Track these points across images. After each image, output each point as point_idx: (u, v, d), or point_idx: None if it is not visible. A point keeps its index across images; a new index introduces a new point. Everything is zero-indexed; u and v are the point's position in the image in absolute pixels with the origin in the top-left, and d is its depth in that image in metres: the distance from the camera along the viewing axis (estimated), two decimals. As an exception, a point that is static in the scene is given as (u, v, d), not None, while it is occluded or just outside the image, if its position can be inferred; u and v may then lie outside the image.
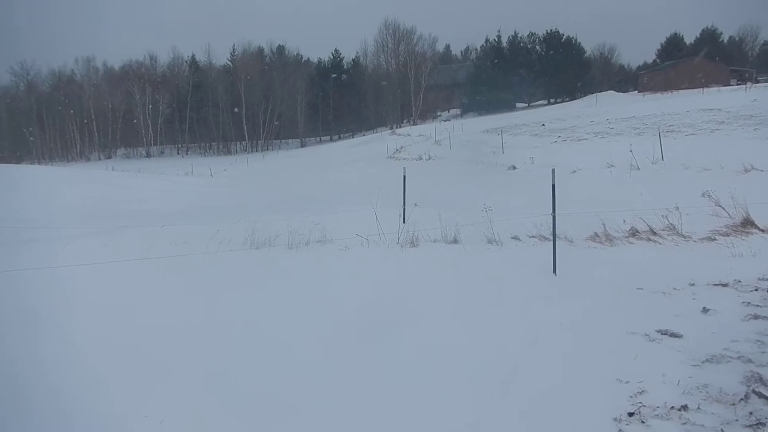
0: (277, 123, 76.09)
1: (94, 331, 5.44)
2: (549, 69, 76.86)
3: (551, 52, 79.01)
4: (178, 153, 78.26)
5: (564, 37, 79.88)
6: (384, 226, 9.52)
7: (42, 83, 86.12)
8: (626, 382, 4.20)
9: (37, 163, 69.92)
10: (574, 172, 20.43)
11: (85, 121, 77.74)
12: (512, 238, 9.23)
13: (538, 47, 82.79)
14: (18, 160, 68.58)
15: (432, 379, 4.48)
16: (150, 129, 78.22)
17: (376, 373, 4.62)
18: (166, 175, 35.16)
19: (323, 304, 6.21)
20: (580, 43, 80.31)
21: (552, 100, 78.99)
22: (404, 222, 10.63)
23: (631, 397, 3.99)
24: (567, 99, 75.93)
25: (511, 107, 75.43)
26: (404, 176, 12.25)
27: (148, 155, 76.34)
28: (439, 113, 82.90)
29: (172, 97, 78.64)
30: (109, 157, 76.17)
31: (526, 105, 78.88)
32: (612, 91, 69.77)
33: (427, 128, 51.74)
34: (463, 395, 4.21)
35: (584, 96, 71.55)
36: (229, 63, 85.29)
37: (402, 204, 11.87)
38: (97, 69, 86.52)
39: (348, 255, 8.35)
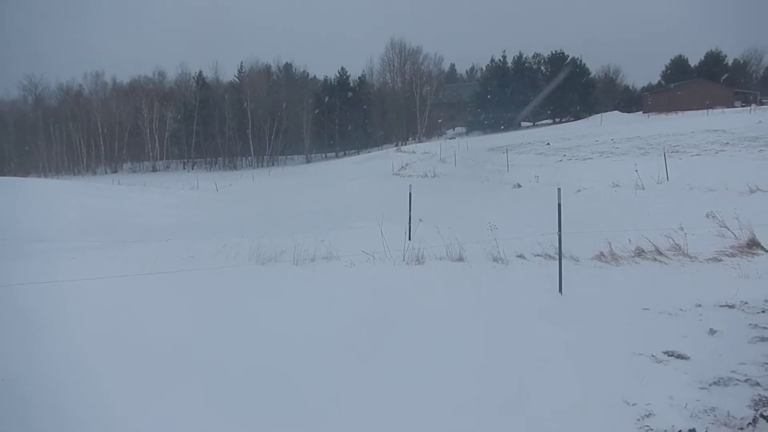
0: (283, 139, 76.41)
1: (103, 343, 5.45)
2: (554, 89, 77.27)
3: (556, 73, 79.41)
4: (184, 168, 78.55)
5: (569, 58, 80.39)
6: (389, 242, 9.52)
7: (50, 97, 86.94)
8: (633, 405, 4.15)
9: (44, 176, 70.38)
10: (579, 191, 20.46)
11: (92, 135, 78.20)
12: (518, 256, 9.21)
13: (543, 67, 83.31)
14: (25, 173, 68.99)
15: (433, 398, 4.44)
16: (156, 144, 78.65)
17: (377, 391, 4.59)
18: (172, 189, 35.33)
19: (325, 321, 6.21)
20: (584, 64, 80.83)
21: (557, 120, 79.23)
22: (410, 239, 10.63)
23: (638, 420, 3.95)
24: (572, 119, 76.18)
25: (516, 126, 75.69)
26: (410, 193, 12.27)
27: (154, 170, 76.67)
28: (444, 131, 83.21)
29: (179, 113, 79.19)
30: (116, 171, 76.53)
31: (531, 124, 79.16)
32: (617, 112, 70.06)
33: (433, 146, 51.91)
34: (465, 416, 4.18)
35: (589, 116, 71.81)
36: (236, 79, 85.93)
37: (407, 221, 11.87)
38: (106, 84, 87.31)
39: (353, 271, 8.35)
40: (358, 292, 7.30)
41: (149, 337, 5.72)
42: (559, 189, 7.62)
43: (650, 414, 3.99)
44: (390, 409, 4.33)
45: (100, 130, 78.04)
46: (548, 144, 38.41)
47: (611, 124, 54.37)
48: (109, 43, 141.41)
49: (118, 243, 11.07)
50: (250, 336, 5.80)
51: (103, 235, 13.03)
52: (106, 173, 75.68)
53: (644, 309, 6.48)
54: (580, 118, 73.41)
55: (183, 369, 5.02)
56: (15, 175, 56.88)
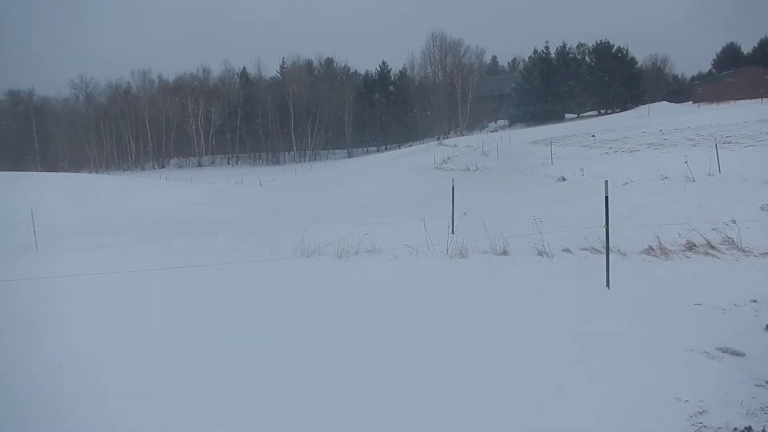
0: (325, 134, 77.02)
1: (155, 328, 5.63)
2: (599, 80, 75.50)
3: (601, 63, 77.56)
4: (228, 163, 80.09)
5: (614, 47, 78.38)
6: (432, 236, 9.52)
7: (100, 95, 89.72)
8: (685, 401, 4.06)
9: (95, 171, 72.75)
10: (626, 184, 19.94)
11: (140, 131, 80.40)
12: (563, 250, 9.06)
13: (587, 58, 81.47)
14: (77, 169, 71.47)
15: (473, 392, 4.43)
16: (202, 139, 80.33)
17: (418, 383, 4.61)
18: (218, 184, 36.06)
19: (368, 313, 6.24)
20: (631, 53, 78.66)
21: (602, 111, 77.44)
22: (453, 233, 10.60)
23: (691, 416, 3.86)
24: (618, 110, 74.26)
25: (560, 118, 74.38)
26: (453, 187, 12.21)
27: (200, 165, 78.35)
28: (486, 124, 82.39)
29: (223, 109, 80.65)
30: (163, 167, 78.58)
31: (576, 116, 77.58)
32: (665, 102, 67.89)
33: (474, 139, 51.46)
34: (508, 411, 4.14)
35: (636, 107, 69.86)
36: (279, 75, 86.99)
37: (450, 214, 11.82)
38: (153, 81, 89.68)
39: (397, 264, 8.37)
40: (400, 284, 7.32)
41: (173, 329, 5.88)
42: (606, 182, 7.46)
43: (704, 411, 3.90)
44: (432, 399, 4.34)
45: (147, 127, 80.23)
46: (593, 136, 37.48)
47: (659, 114, 52.72)
48: (156, 41, 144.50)
49: (168, 236, 11.35)
50: (278, 323, 5.89)
51: (155, 229, 13.42)
52: (154, 168, 77.77)
53: (696, 304, 6.29)
54: (626, 109, 71.41)
55: (213, 359, 5.13)
56: (68, 171, 59.05)
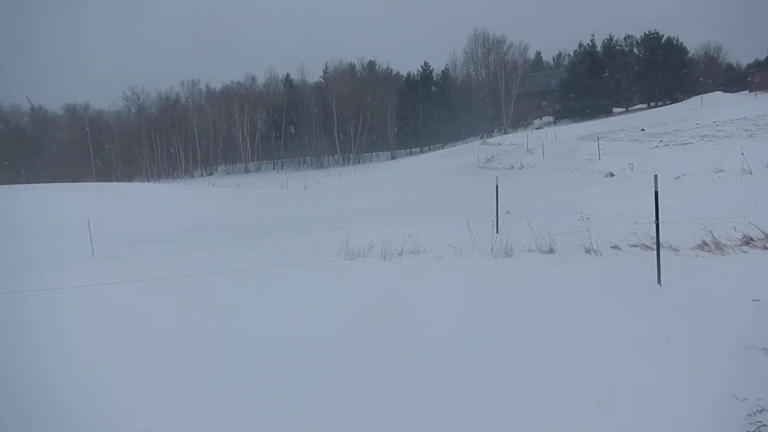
0: (368, 137, 77.44)
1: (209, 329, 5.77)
2: (648, 72, 73.34)
3: (650, 55, 75.28)
4: (274, 168, 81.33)
5: (664, 37, 75.98)
6: (477, 236, 9.46)
7: (150, 106, 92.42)
8: (744, 400, 3.92)
9: (147, 180, 75.11)
10: (678, 178, 19.34)
11: (189, 140, 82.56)
12: (612, 247, 8.83)
13: (635, 50, 79.26)
14: (130, 179, 74.00)
15: (526, 394, 4.37)
16: (248, 146, 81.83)
17: (471, 380, 4.58)
18: (264, 189, 36.68)
19: (413, 315, 6.23)
20: (682, 43, 76.06)
21: (652, 104, 75.20)
22: (497, 232, 10.49)
23: (750, 415, 3.72)
24: (669, 102, 71.97)
25: (607, 112, 72.69)
26: (496, 186, 12.08)
27: (247, 171, 79.78)
28: (531, 121, 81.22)
29: (268, 115, 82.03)
30: (211, 174, 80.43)
31: (624, 110, 75.64)
32: (719, 92, 65.32)
33: (519, 137, 50.83)
34: (561, 413, 4.08)
35: (688, 98, 67.50)
36: (322, 80, 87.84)
37: (494, 213, 11.70)
38: (201, 91, 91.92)
39: (441, 265, 8.34)
40: (445, 285, 7.29)
41: (236, 327, 5.99)
42: (655, 176, 7.22)
43: (763, 409, 3.76)
44: (483, 396, 4.30)
45: (196, 135, 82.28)
46: (643, 130, 36.46)
47: (713, 105, 50.78)
48: (203, 51, 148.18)
49: (215, 242, 11.61)
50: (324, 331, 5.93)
51: (206, 234, 13.74)
52: (203, 176, 79.67)
53: (754, 300, 6.03)
54: (678, 101, 69.04)
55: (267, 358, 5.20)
56: (121, 181, 61.20)
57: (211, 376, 4.89)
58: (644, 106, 75.84)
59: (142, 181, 71.56)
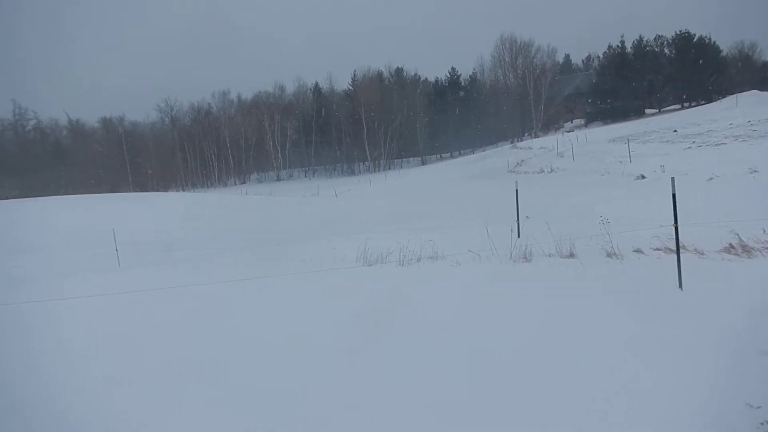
0: (398, 143, 77.65)
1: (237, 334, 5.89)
2: (680, 72, 71.85)
3: (681, 54, 73.72)
4: (305, 176, 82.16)
5: (696, 37, 74.40)
6: (499, 240, 9.41)
7: (183, 117, 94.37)
8: (758, 408, 3.82)
9: (181, 189, 76.64)
10: (711, 179, 18.93)
11: (222, 149, 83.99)
12: (634, 251, 8.70)
13: (666, 50, 77.80)
14: (165, 188, 75.63)
15: (528, 399, 4.35)
16: (279, 154, 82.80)
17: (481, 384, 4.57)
18: (296, 197, 37.08)
19: (427, 320, 6.23)
20: (714, 42, 74.35)
21: (685, 104, 73.62)
22: (518, 236, 10.43)
23: (762, 424, 3.63)
24: (703, 102, 70.34)
25: (639, 114, 71.43)
26: (516, 190, 12.02)
27: (278, 179, 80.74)
28: (561, 124, 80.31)
29: (298, 123, 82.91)
30: (244, 182, 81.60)
31: (657, 111, 74.23)
32: (755, 91, 63.44)
33: (549, 140, 50.35)
34: (568, 416, 4.04)
35: (722, 98, 65.85)
36: (350, 87, 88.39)
37: (516, 218, 11.64)
38: (232, 101, 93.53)
39: (458, 271, 8.32)
40: (461, 291, 7.28)
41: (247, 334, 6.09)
42: (672, 179, 7.09)
43: (775, 418, 3.66)
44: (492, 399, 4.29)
45: (228, 145, 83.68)
46: (675, 131, 35.74)
47: (748, 105, 49.41)
48: (234, 62, 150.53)
49: (236, 249, 11.79)
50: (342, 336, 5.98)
51: (232, 241, 13.98)
52: (236, 184, 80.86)
53: (777, 304, 5.88)
54: (712, 101, 67.45)
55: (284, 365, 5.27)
56: (156, 190, 62.57)
57: (219, 380, 4.96)
58: (677, 106, 74.28)
59: (177, 191, 73.04)
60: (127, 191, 64.14)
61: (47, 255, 13.93)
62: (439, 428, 4.00)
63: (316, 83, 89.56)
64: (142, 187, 76.70)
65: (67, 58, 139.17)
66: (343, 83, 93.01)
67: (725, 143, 27.05)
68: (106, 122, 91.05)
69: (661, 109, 74.79)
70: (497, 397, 4.37)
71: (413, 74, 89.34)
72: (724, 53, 76.34)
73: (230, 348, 5.67)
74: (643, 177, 23.50)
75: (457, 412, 4.19)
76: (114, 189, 64.05)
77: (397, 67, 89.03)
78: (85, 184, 67.96)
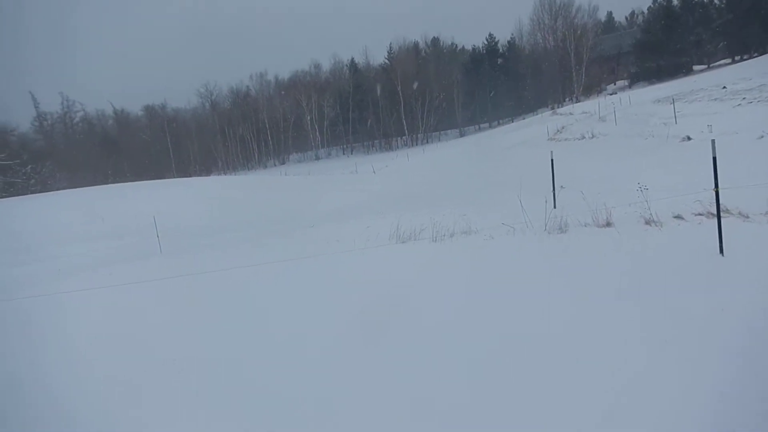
0: (435, 115, 76.90)
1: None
2: (732, 23, 68.25)
3: (733, 4, 69.87)
4: (343, 153, 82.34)
5: (750, -18, 70.38)
6: (536, 212, 9.23)
7: (223, 101, 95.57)
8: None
9: (223, 173, 77.97)
10: (762, 137, 18.00)
11: (261, 131, 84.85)
12: (675, 217, 8.36)
13: (716, 0, 73.99)
14: (207, 172, 77.13)
15: (576, 363, 4.23)
16: (317, 133, 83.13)
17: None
18: (334, 175, 37.21)
19: (464, 297, 6.15)
20: (769, -13, 70.23)
21: (737, 58, 70.13)
22: (554, 207, 10.18)
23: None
24: (756, 54, 66.83)
25: (687, 71, 68.44)
26: (551, 159, 11.69)
27: (317, 158, 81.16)
28: (604, 87, 77.80)
29: (335, 101, 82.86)
30: (283, 163, 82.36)
31: (706, 66, 70.98)
32: (816, 38, 59.90)
33: (591, 104, 48.92)
34: (592, 387, 3.91)
35: (777, 48, 62.44)
36: (386, 61, 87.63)
37: (552, 188, 11.36)
38: (269, 82, 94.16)
39: (493, 244, 8.17)
40: (493, 265, 7.15)
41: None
42: (713, 141, 6.74)
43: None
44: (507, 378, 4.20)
45: (267, 126, 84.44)
46: (724, 87, 34.13)
47: (807, 54, 46.80)
48: (270, 43, 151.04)
49: (273, 232, 11.89)
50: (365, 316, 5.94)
51: (270, 223, 14.11)
52: (275, 165, 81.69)
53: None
54: (765, 53, 64.02)
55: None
56: (199, 175, 63.87)
57: (221, 375, 5.01)
58: (728, 60, 70.92)
59: (218, 174, 74.33)
60: (170, 177, 65.62)
61: (94, 245, 14.37)
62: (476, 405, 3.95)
63: (352, 59, 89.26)
64: (184, 172, 78.40)
65: (111, 50, 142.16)
66: (379, 57, 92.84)
67: (778, 97, 25.70)
68: (150, 110, 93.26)
69: (711, 65, 71.51)
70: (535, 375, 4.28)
71: (450, 43, 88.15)
72: (778, -1, 72.15)
73: (237, 343, 5.69)
74: (689, 138, 22.56)
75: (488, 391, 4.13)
76: (158, 175, 65.65)
77: (434, 37, 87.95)
78: (132, 171, 69.98)
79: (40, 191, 45.60)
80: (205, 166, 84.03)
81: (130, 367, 5.25)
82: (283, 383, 4.60)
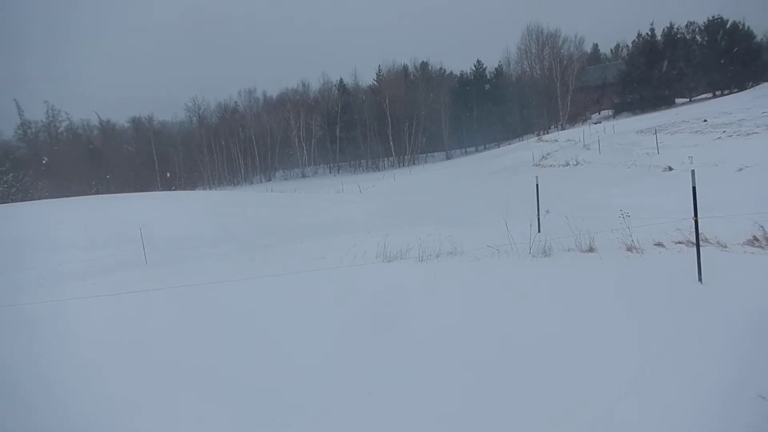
0: (422, 138, 77.47)
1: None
2: (712, 60, 69.96)
3: (714, 42, 71.70)
4: (330, 172, 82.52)
5: (729, 23, 72.35)
6: (519, 236, 9.37)
7: (210, 116, 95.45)
8: (769, 400, 3.78)
9: (208, 187, 77.66)
10: (741, 170, 18.45)
11: (248, 147, 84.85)
12: (655, 244, 8.58)
13: (698, 37, 75.83)
14: (192, 186, 76.73)
15: (551, 390, 4.33)
16: (304, 151, 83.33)
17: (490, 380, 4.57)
18: (320, 194, 37.28)
19: (444, 316, 6.25)
20: (749, 27, 72.22)
21: (717, 93, 71.77)
22: (539, 231, 10.35)
23: (774, 417, 3.58)
24: (736, 90, 68.45)
25: (669, 103, 69.84)
26: (536, 185, 11.90)
27: (303, 176, 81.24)
28: (589, 116, 79.02)
29: (323, 120, 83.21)
30: (269, 180, 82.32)
31: (688, 100, 72.50)
32: (792, 78, 61.66)
33: (576, 132, 49.68)
34: (578, 408, 4.02)
35: (756, 85, 64.05)
36: (375, 83, 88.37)
37: (536, 213, 11.55)
38: (258, 99, 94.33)
39: (478, 266, 8.30)
40: (479, 287, 7.27)
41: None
42: (692, 171, 6.98)
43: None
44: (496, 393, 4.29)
45: (254, 142, 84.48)
46: (705, 121, 34.88)
47: (783, 92, 48.04)
48: (260, 60, 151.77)
49: (261, 246, 11.92)
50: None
51: (257, 237, 14.13)
52: (261, 182, 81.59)
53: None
54: (745, 89, 65.65)
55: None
56: (184, 189, 63.56)
57: (217, 382, 5.05)
58: (709, 95, 72.57)
59: (204, 189, 74.03)
60: (155, 190, 65.21)
61: (80, 252, 14.27)
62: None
63: (341, 79, 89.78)
64: (170, 185, 77.92)
65: (96, 60, 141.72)
66: (368, 78, 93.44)
67: (757, 132, 26.34)
68: (136, 122, 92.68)
69: (692, 99, 73.10)
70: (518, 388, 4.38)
71: (438, 68, 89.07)
72: (758, 39, 74.22)
73: (231, 351, 5.74)
74: (670, 169, 23.03)
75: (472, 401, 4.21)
76: (143, 188, 65.20)
77: (423, 61, 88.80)
78: (115, 183, 69.43)
79: (22, 200, 45.05)
80: (190, 180, 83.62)
81: (119, 378, 5.26)
82: (267, 390, 4.65)
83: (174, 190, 62.42)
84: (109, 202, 25.95)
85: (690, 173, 7.07)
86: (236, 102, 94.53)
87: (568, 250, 8.66)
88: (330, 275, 8.30)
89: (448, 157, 78.01)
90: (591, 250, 8.50)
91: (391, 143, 78.57)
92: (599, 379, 4.41)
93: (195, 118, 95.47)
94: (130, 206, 22.90)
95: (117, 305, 7.54)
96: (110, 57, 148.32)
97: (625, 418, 3.89)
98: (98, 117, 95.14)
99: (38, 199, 38.83)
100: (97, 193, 51.61)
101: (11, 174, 54.70)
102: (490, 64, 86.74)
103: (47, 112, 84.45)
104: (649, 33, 76.50)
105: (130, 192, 43.72)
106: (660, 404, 3.99)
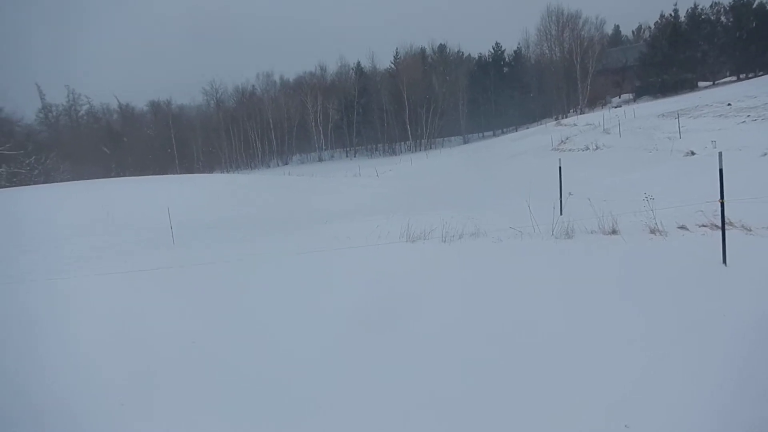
0: (440, 122, 77.07)
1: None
2: (737, 41, 68.47)
3: (740, 22, 70.06)
4: (346, 156, 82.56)
5: (756, 2, 70.62)
6: (542, 218, 9.39)
7: (228, 99, 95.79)
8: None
9: (225, 171, 78.14)
10: (765, 154, 18.18)
11: (265, 131, 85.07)
12: (679, 227, 8.55)
13: (723, 18, 74.18)
14: (210, 170, 77.28)
15: (575, 368, 4.39)
16: (321, 135, 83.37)
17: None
18: (336, 178, 37.39)
19: (466, 299, 6.31)
20: (775, 7, 70.39)
21: (742, 76, 70.32)
22: (561, 213, 10.35)
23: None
24: (761, 73, 67.01)
25: (692, 87, 68.59)
26: (560, 167, 11.86)
27: (320, 159, 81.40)
28: (609, 99, 77.98)
29: (340, 103, 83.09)
30: (286, 163, 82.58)
31: (711, 83, 71.18)
32: (820, 59, 60.10)
33: (595, 116, 49.10)
34: (597, 388, 4.07)
35: (782, 67, 62.61)
36: (392, 66, 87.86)
37: (558, 195, 11.53)
38: (275, 82, 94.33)
39: (499, 247, 8.34)
40: (499, 267, 7.31)
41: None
42: (720, 153, 6.94)
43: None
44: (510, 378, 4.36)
45: (271, 126, 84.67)
46: (729, 104, 34.30)
47: (810, 74, 46.98)
48: (277, 43, 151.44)
49: (286, 227, 12.05)
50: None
51: (275, 222, 14.27)
52: (278, 165, 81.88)
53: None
54: (770, 72, 64.17)
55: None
56: (202, 172, 64.04)
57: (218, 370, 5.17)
58: (733, 78, 71.17)
59: (221, 172, 74.56)
60: (174, 173, 65.79)
61: (110, 236, 14.50)
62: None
63: (358, 63, 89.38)
64: (188, 168, 78.56)
65: (118, 44, 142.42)
66: (385, 62, 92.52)
67: (783, 115, 25.89)
68: (155, 105, 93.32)
69: (716, 82, 71.76)
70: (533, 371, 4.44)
71: (456, 51, 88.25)
72: (786, 19, 72.34)
73: (236, 333, 5.85)
74: (692, 153, 22.75)
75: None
76: (161, 171, 65.84)
77: (440, 44, 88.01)
78: (135, 166, 70.13)
79: (44, 182, 45.76)
80: (208, 164, 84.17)
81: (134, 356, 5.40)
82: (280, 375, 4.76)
83: (192, 173, 62.87)
84: (129, 185, 26.29)
85: (716, 156, 7.02)
86: (253, 85, 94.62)
87: (591, 232, 8.67)
88: (359, 253, 8.42)
89: (465, 142, 77.60)
90: (614, 232, 8.50)
91: (408, 127, 78.27)
92: (626, 360, 4.46)
93: (213, 102, 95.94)
94: (153, 189, 23.22)
95: (150, 281, 7.72)
96: (130, 42, 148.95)
97: (654, 392, 3.93)
98: (118, 101, 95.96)
99: (60, 182, 39.42)
100: (117, 176, 52.19)
101: (33, 157, 55.47)
102: (509, 47, 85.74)
103: (68, 95, 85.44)
104: (673, 14, 75.14)
105: (149, 175, 44.18)
106: (686, 382, 4.02)
